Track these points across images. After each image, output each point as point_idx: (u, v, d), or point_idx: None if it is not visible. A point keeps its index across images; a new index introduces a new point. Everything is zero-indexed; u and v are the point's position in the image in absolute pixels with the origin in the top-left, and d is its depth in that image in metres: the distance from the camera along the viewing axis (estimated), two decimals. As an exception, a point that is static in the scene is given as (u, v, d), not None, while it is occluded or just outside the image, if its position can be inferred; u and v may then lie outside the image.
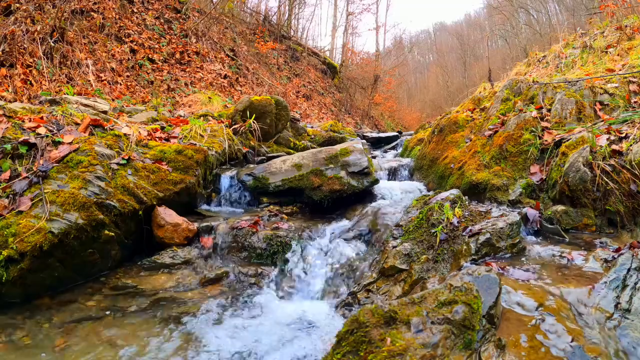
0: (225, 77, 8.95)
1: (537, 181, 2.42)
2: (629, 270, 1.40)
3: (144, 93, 6.51)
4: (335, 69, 17.19)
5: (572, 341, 1.16)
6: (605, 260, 1.56)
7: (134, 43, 7.23)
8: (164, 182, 2.45)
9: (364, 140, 4.89)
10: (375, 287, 1.89)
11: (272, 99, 4.24)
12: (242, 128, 3.84)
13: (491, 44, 27.49)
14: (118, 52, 6.70)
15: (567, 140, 2.36)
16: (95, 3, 6.83)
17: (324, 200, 2.86)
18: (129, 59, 6.83)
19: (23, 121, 2.36)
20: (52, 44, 5.29)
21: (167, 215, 2.33)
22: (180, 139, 3.04)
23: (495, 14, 24.05)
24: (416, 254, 1.94)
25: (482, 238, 1.80)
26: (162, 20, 8.51)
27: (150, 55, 7.35)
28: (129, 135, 2.62)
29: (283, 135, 4.39)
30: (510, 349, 1.14)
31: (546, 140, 2.54)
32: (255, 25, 13.67)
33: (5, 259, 1.71)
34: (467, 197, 2.48)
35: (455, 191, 2.31)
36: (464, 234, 1.88)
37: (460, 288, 1.19)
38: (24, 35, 5.00)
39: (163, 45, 7.88)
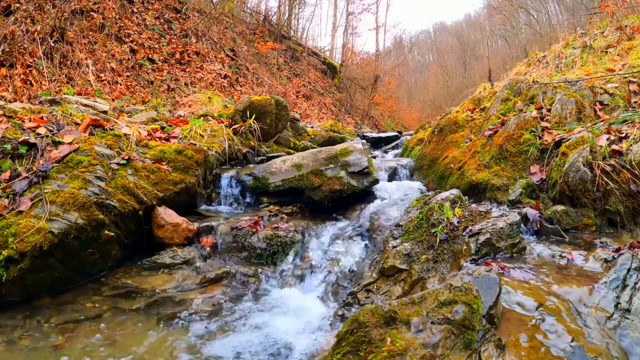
0: (225, 77, 8.95)
1: (537, 181, 2.42)
2: (629, 270, 1.40)
3: (144, 93, 6.51)
4: (335, 69, 17.18)
5: (572, 341, 1.16)
6: (605, 260, 1.56)
7: (134, 43, 7.23)
8: (164, 182, 2.45)
9: (364, 140, 4.89)
10: (375, 287, 1.89)
11: (272, 99, 4.24)
12: (242, 128, 3.84)
13: (491, 44, 27.49)
14: (118, 52, 6.70)
15: (567, 140, 2.36)
16: (95, 3, 6.82)
17: (324, 200, 2.86)
18: (129, 59, 6.83)
19: (23, 121, 2.36)
20: (52, 44, 5.29)
21: (167, 215, 2.33)
22: (180, 139, 3.04)
23: (495, 14, 24.05)
24: (416, 254, 1.94)
25: (482, 238, 1.80)
26: (162, 20, 8.50)
27: (150, 55, 7.35)
28: (129, 135, 2.62)
29: (283, 135, 4.39)
30: (510, 349, 1.14)
31: (546, 140, 2.54)
32: (255, 25, 13.67)
33: (5, 259, 1.71)
34: (467, 197, 2.48)
35: (455, 191, 2.30)
36: (464, 234, 1.88)
37: (460, 288, 1.19)
38: (24, 35, 5.00)
39: (163, 45, 7.88)
